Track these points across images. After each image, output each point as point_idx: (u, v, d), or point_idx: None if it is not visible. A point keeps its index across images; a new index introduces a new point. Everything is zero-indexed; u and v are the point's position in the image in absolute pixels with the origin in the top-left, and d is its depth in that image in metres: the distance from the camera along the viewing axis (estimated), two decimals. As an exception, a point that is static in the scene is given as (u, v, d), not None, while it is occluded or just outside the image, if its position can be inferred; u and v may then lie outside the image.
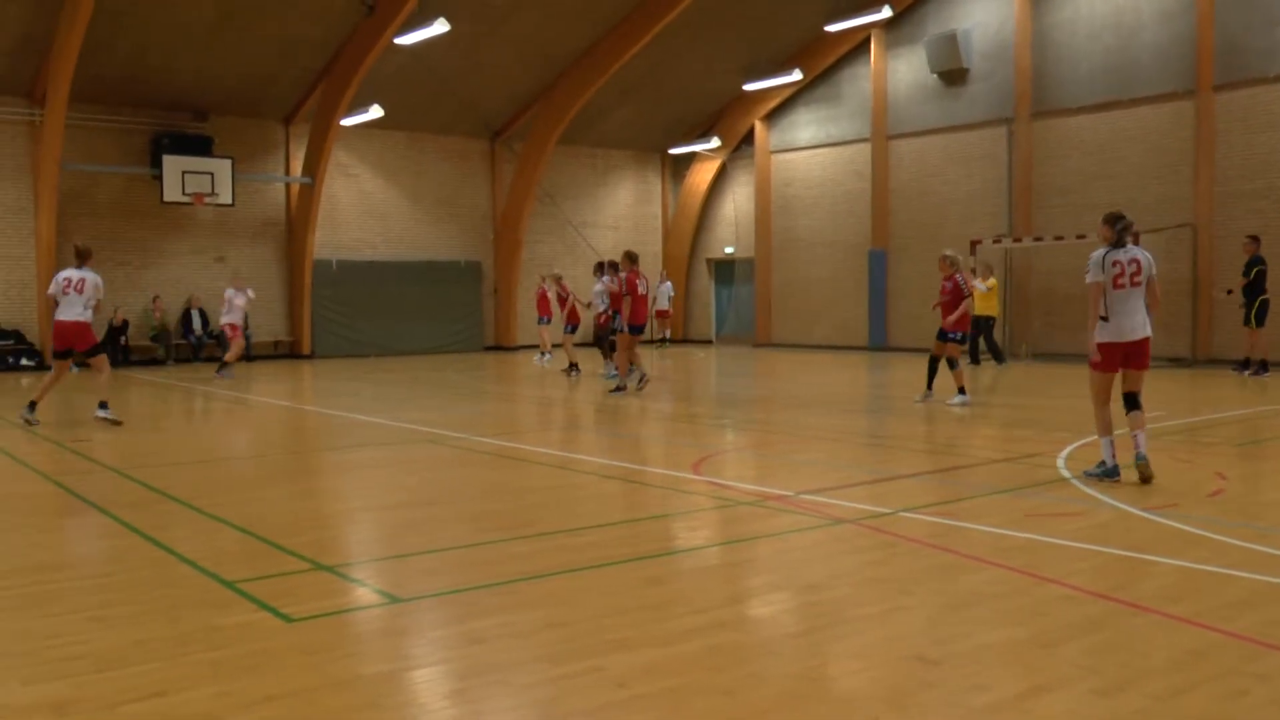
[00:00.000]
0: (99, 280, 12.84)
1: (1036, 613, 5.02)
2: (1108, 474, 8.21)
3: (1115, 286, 8.18)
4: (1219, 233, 20.39)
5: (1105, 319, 8.21)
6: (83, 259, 12.97)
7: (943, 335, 14.09)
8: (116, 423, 12.66)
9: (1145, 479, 8.07)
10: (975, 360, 20.75)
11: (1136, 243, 8.89)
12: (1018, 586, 5.48)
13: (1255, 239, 18.37)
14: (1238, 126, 20.40)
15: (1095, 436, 8.66)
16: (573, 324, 21.04)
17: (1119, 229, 8.26)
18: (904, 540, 6.49)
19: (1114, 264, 8.19)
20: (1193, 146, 20.94)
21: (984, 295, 19.92)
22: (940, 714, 3.90)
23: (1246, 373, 18.24)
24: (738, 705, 3.97)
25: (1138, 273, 8.18)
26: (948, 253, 14.40)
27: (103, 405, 12.83)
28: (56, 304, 12.83)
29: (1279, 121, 19.90)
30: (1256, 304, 18.08)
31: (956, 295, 14.01)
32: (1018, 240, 22.56)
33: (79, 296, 12.68)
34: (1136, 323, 8.19)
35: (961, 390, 13.92)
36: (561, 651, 4.53)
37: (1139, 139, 21.81)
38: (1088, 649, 4.50)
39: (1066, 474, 8.70)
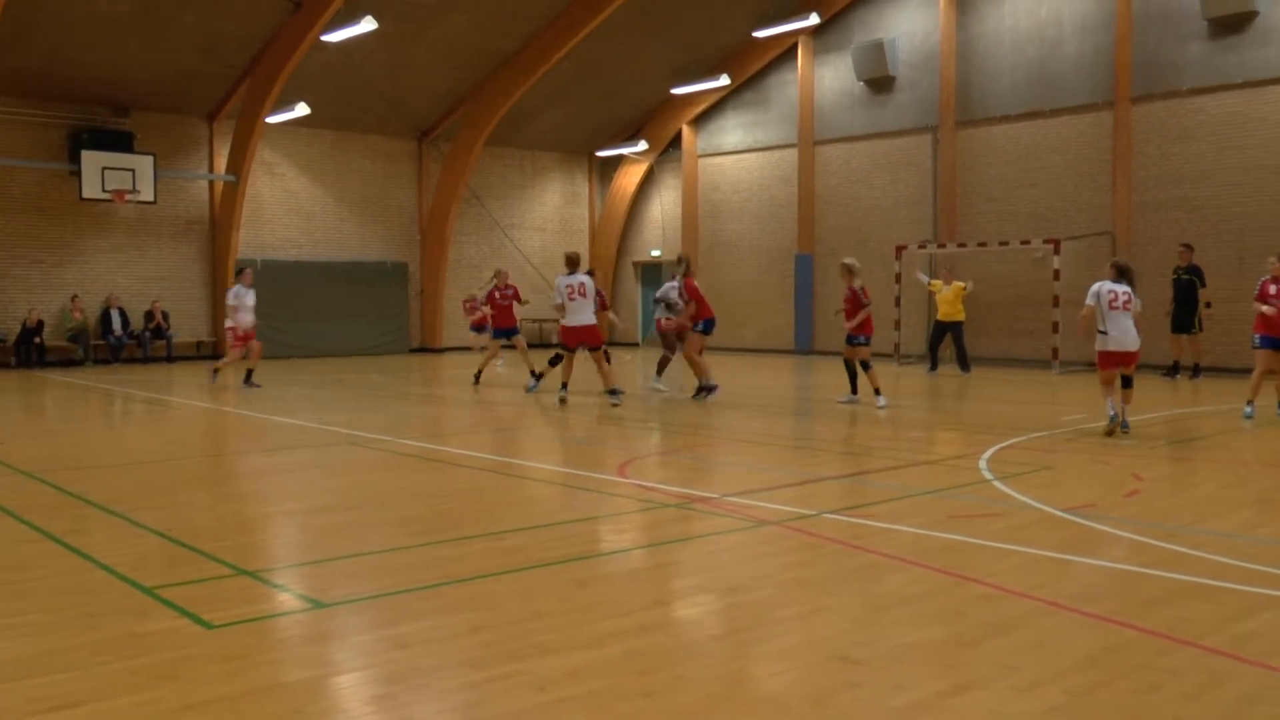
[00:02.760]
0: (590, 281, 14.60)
1: (958, 612, 5.10)
2: (1111, 419, 11.02)
3: (1111, 308, 11.05)
4: (1137, 240, 20.87)
5: (1105, 332, 11.10)
6: (573, 265, 14.52)
7: (851, 340, 14.68)
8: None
9: (1124, 431, 11.19)
10: (934, 366, 20.58)
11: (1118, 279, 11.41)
12: (940, 586, 5.56)
13: (1190, 246, 18.71)
14: (1154, 138, 20.90)
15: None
16: (480, 327, 20.85)
17: (1119, 272, 11.27)
18: (827, 542, 6.56)
19: (1109, 293, 11.10)
20: (1111, 157, 21.42)
21: (949, 299, 20.05)
22: (863, 714, 3.95)
23: (1197, 378, 18.44)
24: (661, 708, 3.98)
25: (1128, 301, 11.11)
26: (847, 261, 14.99)
27: (613, 392, 14.31)
28: (563, 309, 14.33)
29: (1193, 133, 20.43)
30: (1199, 310, 18.42)
31: (855, 302, 14.56)
32: (942, 246, 22.90)
33: (585, 300, 14.27)
34: (1130, 337, 11.11)
35: (878, 391, 14.23)
36: (485, 655, 4.51)
37: (1060, 149, 22.27)
38: (1007, 647, 4.59)
39: (989, 476, 8.86)
